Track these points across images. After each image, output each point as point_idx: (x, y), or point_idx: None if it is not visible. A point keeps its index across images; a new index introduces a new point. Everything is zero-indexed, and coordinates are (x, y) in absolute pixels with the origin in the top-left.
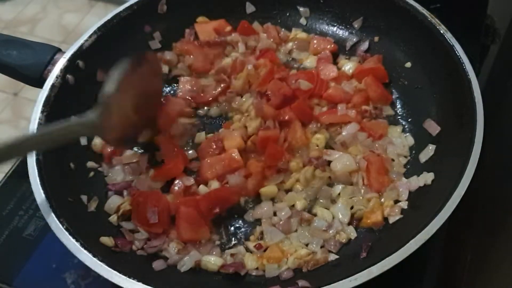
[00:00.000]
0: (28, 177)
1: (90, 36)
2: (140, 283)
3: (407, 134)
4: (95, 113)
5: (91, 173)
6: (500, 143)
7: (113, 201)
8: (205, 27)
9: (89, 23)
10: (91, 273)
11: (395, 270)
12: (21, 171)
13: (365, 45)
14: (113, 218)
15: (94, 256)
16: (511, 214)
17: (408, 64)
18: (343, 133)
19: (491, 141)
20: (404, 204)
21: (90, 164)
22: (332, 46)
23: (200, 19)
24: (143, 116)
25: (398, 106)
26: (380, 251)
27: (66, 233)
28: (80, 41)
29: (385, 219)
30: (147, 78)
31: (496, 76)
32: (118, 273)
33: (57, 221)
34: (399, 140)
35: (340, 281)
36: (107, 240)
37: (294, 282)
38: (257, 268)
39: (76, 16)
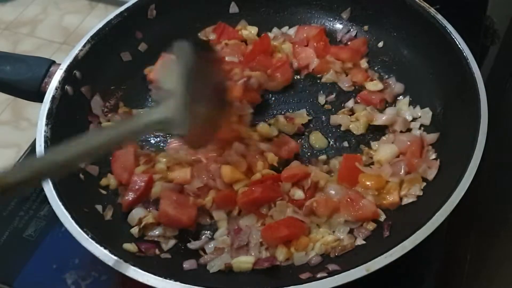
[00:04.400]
0: None
1: (84, 46)
2: (178, 283)
3: (417, 106)
4: (169, 107)
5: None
6: (500, 144)
7: (137, 213)
8: None
9: (90, 24)
10: (92, 273)
11: (394, 270)
12: None
13: (352, 33)
14: (135, 230)
15: (126, 261)
16: (511, 215)
17: (402, 50)
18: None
19: (491, 141)
20: (423, 185)
21: (104, 181)
22: (319, 31)
23: None
24: (215, 109)
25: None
26: (401, 228)
27: (93, 242)
28: (75, 51)
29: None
30: (210, 67)
31: (496, 77)
32: (154, 276)
33: (82, 232)
34: (408, 112)
35: (376, 259)
36: (130, 247)
37: (324, 267)
38: (288, 259)
39: (76, 17)
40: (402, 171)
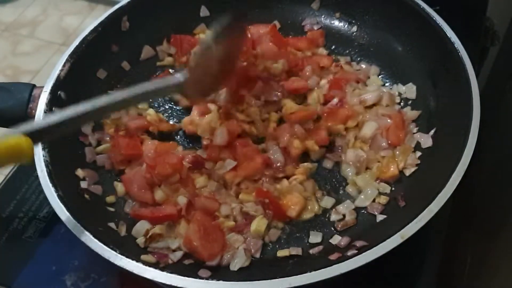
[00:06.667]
0: (28, 179)
1: (64, 65)
2: (221, 281)
3: (399, 83)
4: (185, 75)
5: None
6: (499, 144)
7: (142, 225)
8: None
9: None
10: (91, 275)
11: (394, 270)
12: (20, 174)
13: (322, 24)
14: (141, 240)
15: (163, 270)
16: (511, 215)
17: (377, 31)
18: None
19: (490, 142)
20: (418, 154)
21: (109, 199)
22: (271, 27)
23: None
24: (222, 74)
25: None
26: (415, 196)
27: (124, 257)
28: (56, 71)
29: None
30: (234, 39)
31: (496, 78)
32: (194, 279)
33: (111, 250)
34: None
35: (408, 225)
36: (148, 258)
37: (351, 245)
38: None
39: (76, 18)
40: (384, 143)
